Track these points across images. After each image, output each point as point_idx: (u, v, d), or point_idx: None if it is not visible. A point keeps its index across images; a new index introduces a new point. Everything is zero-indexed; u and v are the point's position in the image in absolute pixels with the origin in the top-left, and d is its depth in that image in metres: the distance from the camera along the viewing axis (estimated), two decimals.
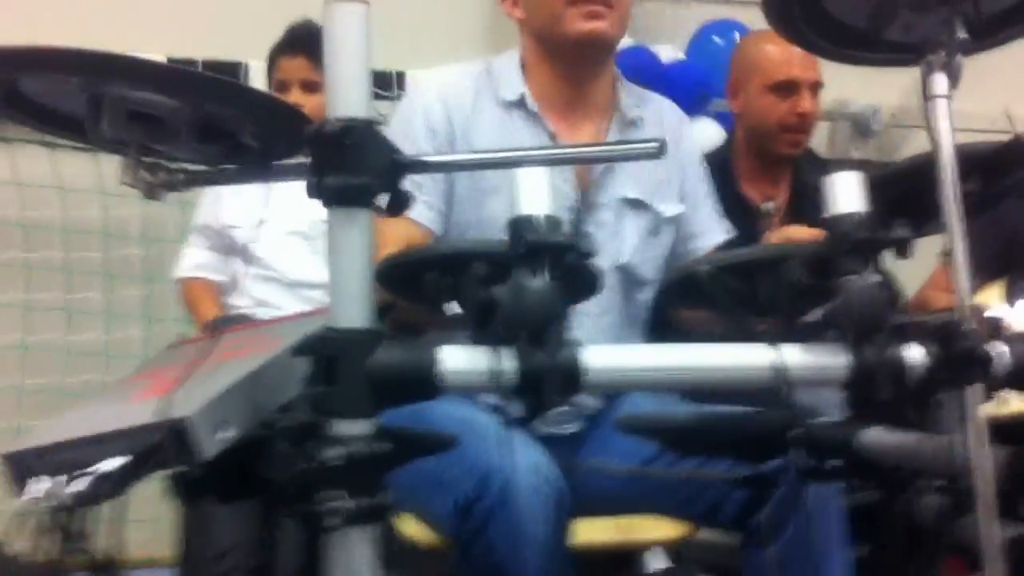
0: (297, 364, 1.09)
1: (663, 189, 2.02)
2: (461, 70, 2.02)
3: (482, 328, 1.12)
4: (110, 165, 1.33)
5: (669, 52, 3.36)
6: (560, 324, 1.13)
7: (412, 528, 1.69)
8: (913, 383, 1.21)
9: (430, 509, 1.66)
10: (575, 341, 1.14)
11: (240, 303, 2.72)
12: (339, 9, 1.13)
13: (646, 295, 2.02)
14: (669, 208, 2.03)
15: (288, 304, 2.64)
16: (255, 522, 1.34)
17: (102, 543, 1.17)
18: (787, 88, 2.62)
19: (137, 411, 1.14)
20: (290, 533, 1.22)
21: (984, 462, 1.18)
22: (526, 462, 1.56)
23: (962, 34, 1.26)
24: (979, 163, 1.38)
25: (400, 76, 3.42)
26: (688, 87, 3.27)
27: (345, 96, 1.13)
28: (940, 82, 1.26)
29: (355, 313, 1.10)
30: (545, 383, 1.11)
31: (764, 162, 2.70)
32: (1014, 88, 2.82)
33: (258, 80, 3.10)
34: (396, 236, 1.74)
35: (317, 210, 1.12)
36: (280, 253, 2.69)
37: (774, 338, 1.22)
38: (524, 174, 1.15)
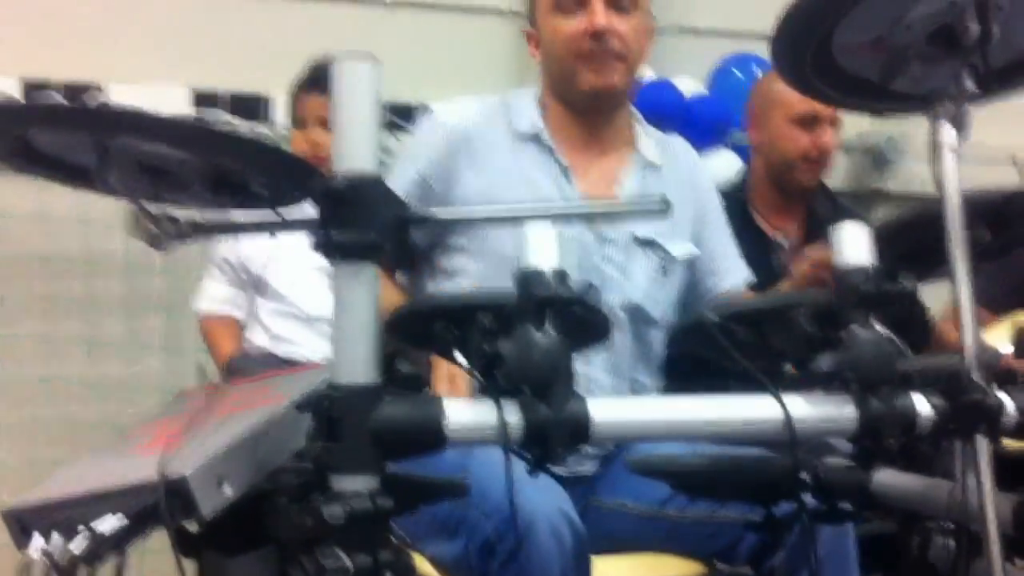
0: (302, 419, 1.09)
1: (675, 230, 2.03)
2: (478, 99, 2.06)
3: (488, 380, 1.12)
4: None
5: (689, 85, 3.36)
6: (566, 378, 1.13)
7: (427, 570, 1.68)
8: (920, 433, 1.20)
9: (447, 550, 1.65)
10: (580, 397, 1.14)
11: (257, 339, 2.73)
12: (348, 65, 1.14)
13: (657, 333, 2.02)
14: (680, 249, 2.04)
15: (306, 339, 2.65)
16: (271, 572, 1.34)
17: None
18: (810, 121, 2.65)
19: (137, 466, 1.14)
20: None
21: (992, 508, 1.18)
22: (547, 504, 1.55)
23: (970, 86, 1.26)
24: (988, 211, 1.38)
25: (426, 109, 3.41)
26: (710, 121, 3.29)
27: (353, 151, 1.14)
28: (948, 133, 1.27)
29: (358, 369, 1.11)
30: (551, 437, 1.11)
31: (781, 194, 2.73)
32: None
33: (280, 113, 3.14)
34: None
35: None
36: (298, 288, 2.70)
37: (781, 388, 1.21)
38: (533, 227, 1.15)
